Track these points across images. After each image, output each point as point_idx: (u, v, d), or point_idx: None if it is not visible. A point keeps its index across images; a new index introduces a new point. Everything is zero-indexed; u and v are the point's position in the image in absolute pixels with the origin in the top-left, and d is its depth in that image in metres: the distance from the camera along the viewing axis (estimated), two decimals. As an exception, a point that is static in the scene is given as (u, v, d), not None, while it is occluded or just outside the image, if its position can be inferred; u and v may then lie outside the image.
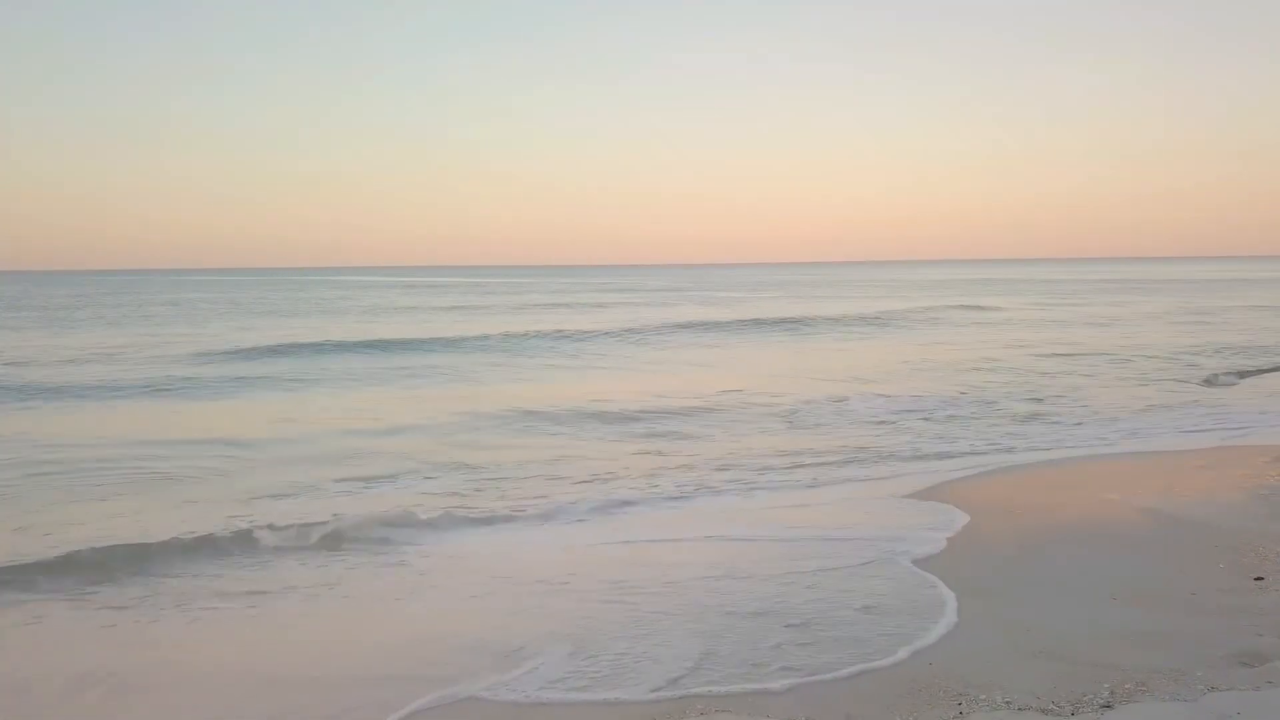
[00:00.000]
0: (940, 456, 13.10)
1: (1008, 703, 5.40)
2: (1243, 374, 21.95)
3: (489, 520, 9.95)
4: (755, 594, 7.54)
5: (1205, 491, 10.53)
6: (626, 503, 10.73)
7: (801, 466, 12.50)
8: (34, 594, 7.75)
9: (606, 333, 36.48)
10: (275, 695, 5.84)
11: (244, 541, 8.98)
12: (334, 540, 9.08)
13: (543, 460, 13.06)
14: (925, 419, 16.09)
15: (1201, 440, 14.03)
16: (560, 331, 36.39)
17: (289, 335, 34.70)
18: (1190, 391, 19.47)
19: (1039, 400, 18.18)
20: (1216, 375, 21.41)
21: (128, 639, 6.86)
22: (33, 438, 14.87)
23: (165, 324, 44.32)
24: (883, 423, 15.82)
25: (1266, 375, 22.14)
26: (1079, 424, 15.58)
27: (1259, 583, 7.41)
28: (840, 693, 5.68)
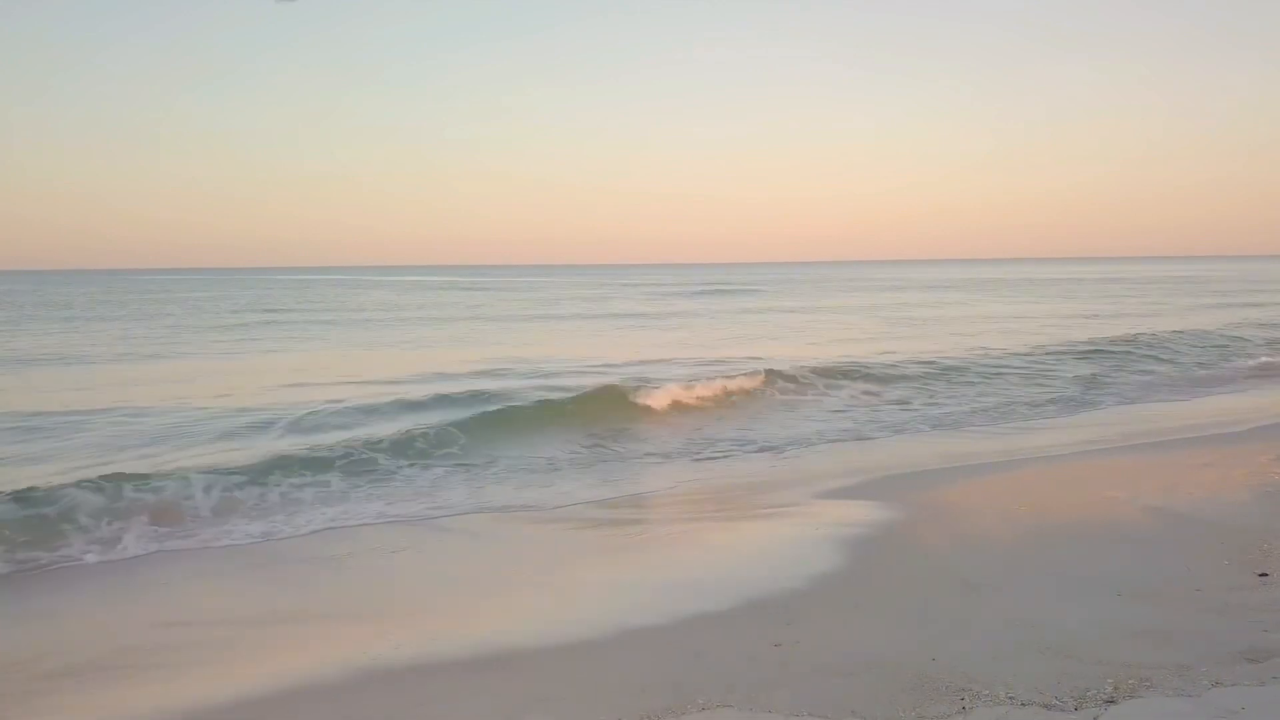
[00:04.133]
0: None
1: (1011, 698, 5.38)
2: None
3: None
4: (745, 582, 7.53)
5: (1209, 489, 10.50)
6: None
7: None
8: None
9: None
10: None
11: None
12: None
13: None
14: None
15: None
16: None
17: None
18: None
19: None
20: None
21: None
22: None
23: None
24: None
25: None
26: None
27: (1264, 579, 7.38)
28: (843, 688, 5.65)
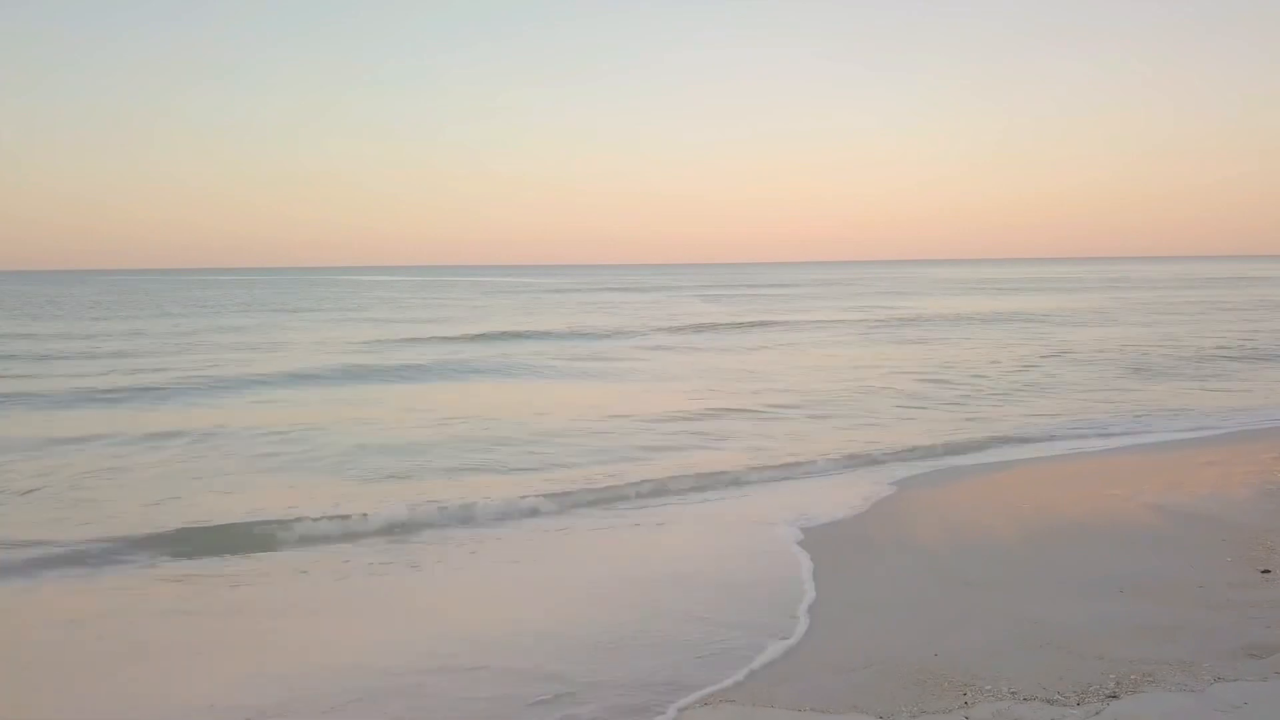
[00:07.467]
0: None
1: (1013, 693, 5.37)
2: None
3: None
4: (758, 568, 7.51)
5: (1212, 487, 10.49)
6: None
7: None
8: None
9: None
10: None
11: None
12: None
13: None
14: None
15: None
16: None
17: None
18: None
19: None
20: None
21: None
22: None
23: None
24: None
25: None
26: None
27: (1266, 576, 7.38)
28: (845, 683, 5.65)
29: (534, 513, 10.03)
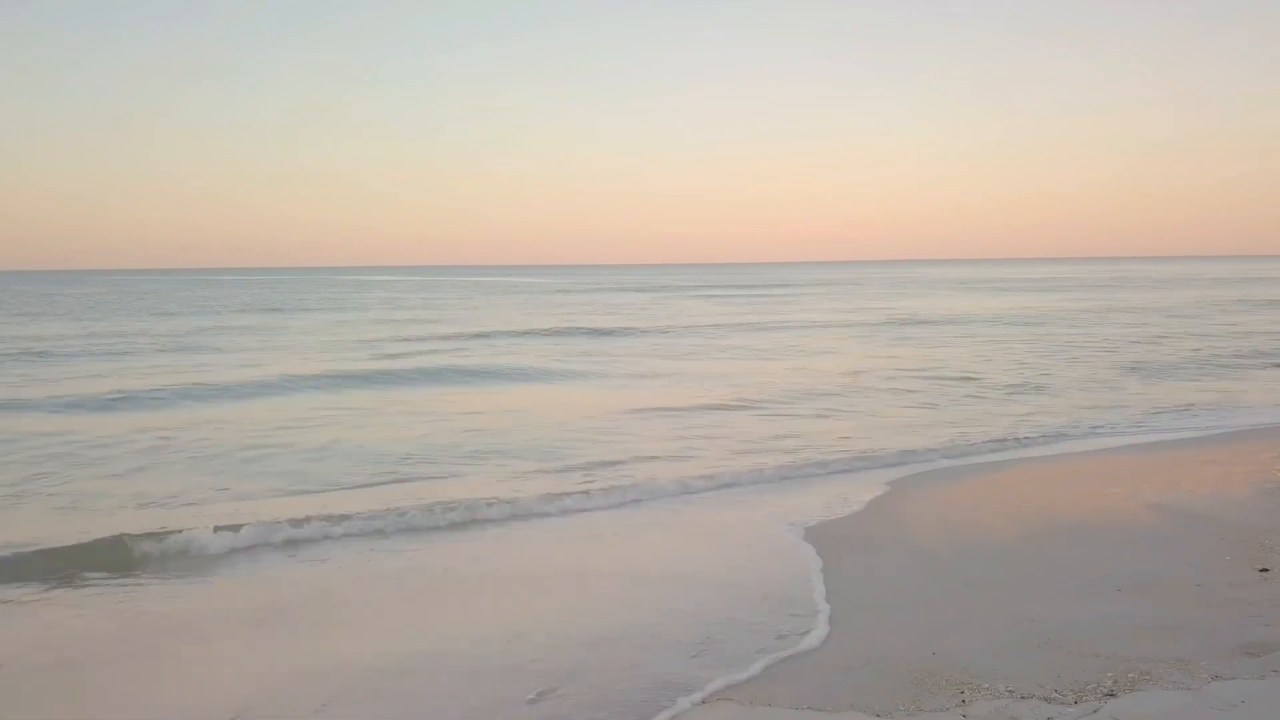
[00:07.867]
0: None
1: (1010, 691, 5.37)
2: None
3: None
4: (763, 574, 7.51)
5: (1211, 486, 10.50)
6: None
7: None
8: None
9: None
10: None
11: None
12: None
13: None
14: None
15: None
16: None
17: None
18: None
19: None
20: None
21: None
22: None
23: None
24: None
25: None
26: None
27: (1264, 574, 7.39)
28: (843, 682, 5.65)
29: (530, 513, 10.03)
